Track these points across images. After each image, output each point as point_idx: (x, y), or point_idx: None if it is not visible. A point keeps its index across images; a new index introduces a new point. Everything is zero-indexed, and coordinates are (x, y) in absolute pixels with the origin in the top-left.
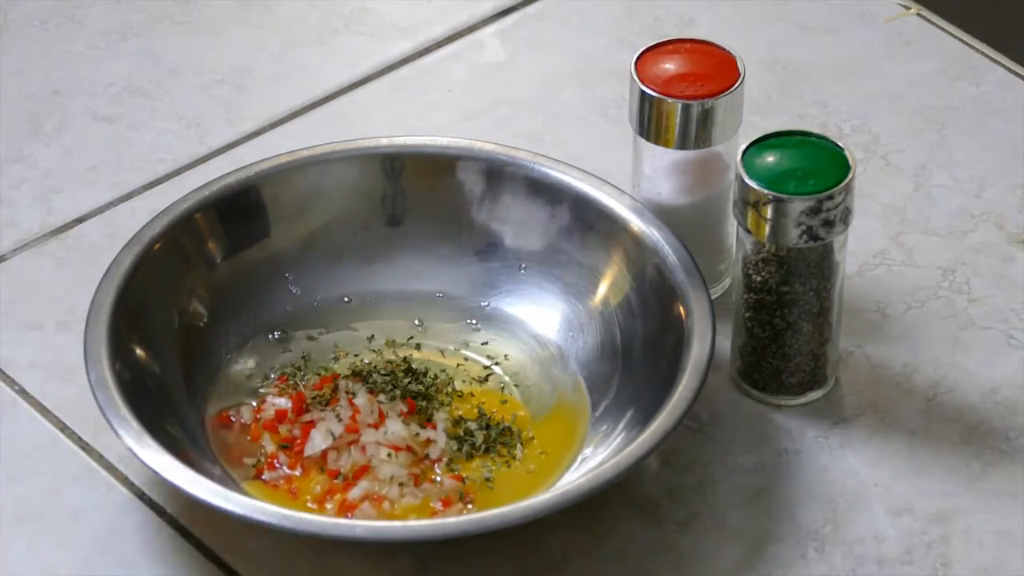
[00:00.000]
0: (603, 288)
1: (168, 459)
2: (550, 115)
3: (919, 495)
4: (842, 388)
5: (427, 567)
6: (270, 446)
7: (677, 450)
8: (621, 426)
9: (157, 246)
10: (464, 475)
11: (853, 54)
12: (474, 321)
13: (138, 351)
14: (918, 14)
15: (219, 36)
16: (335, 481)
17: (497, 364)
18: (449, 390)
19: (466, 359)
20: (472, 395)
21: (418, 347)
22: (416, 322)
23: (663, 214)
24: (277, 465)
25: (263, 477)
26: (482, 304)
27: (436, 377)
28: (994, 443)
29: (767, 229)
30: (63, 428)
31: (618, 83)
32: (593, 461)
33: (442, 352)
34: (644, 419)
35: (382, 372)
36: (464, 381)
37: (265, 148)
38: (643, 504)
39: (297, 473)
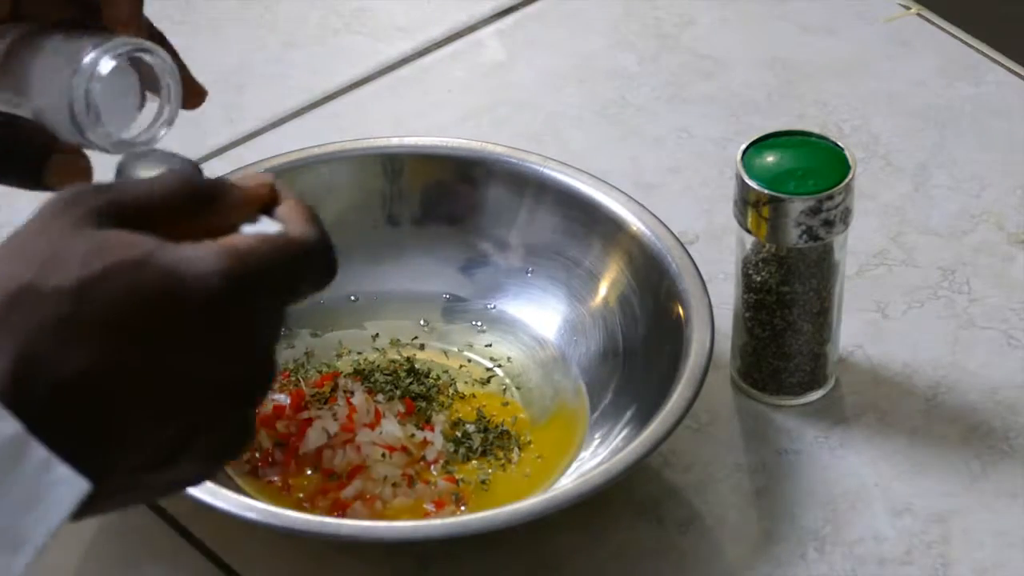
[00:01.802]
0: (605, 290)
1: None
2: (550, 115)
3: (919, 495)
4: (842, 388)
5: (427, 567)
6: (266, 442)
7: (677, 450)
8: (620, 427)
9: None
10: (459, 477)
11: (853, 54)
12: (479, 323)
13: None
14: (918, 14)
15: (219, 36)
16: (329, 480)
17: (500, 366)
18: (451, 391)
19: (469, 361)
20: (474, 396)
21: (422, 347)
22: (422, 322)
23: None
24: (272, 461)
25: (257, 473)
26: (488, 307)
27: (438, 378)
28: (994, 443)
29: (767, 229)
30: None
31: (618, 83)
32: (591, 463)
33: (446, 353)
34: (643, 420)
35: (384, 372)
36: (466, 383)
37: (265, 148)
38: (643, 504)
39: (291, 470)
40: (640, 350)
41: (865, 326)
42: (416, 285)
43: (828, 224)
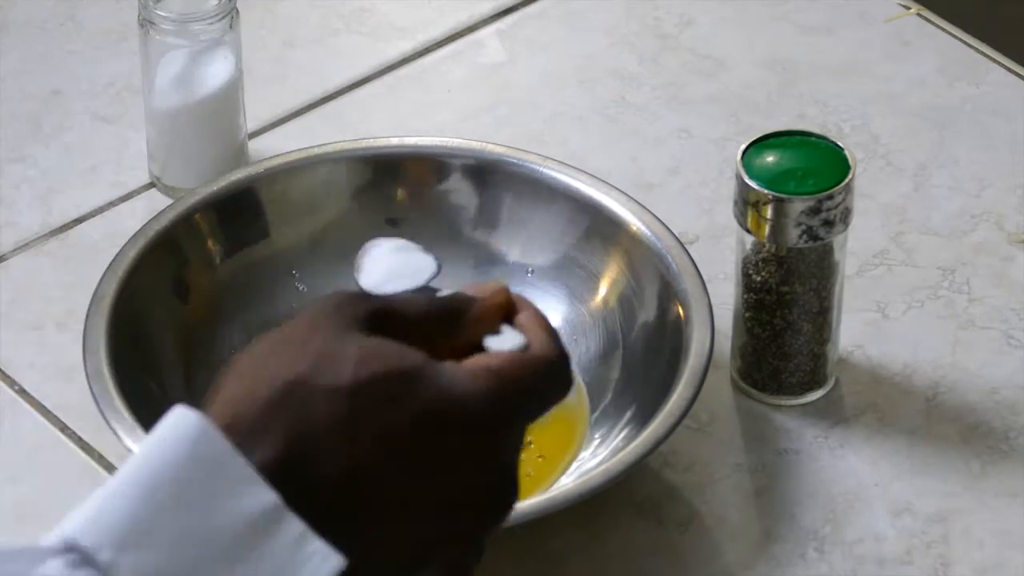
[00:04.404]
0: (605, 290)
1: None
2: (550, 115)
3: (919, 495)
4: (842, 388)
5: None
6: None
7: (677, 450)
8: (621, 427)
9: (161, 241)
10: None
11: (853, 54)
12: None
13: (138, 342)
14: (918, 14)
15: None
16: None
17: None
18: None
19: None
20: None
21: None
22: None
23: None
24: None
25: None
26: None
27: None
28: (994, 443)
29: (767, 229)
30: (63, 428)
31: (618, 83)
32: (591, 463)
33: None
34: (643, 420)
35: None
36: None
37: (265, 148)
38: (643, 504)
39: None
40: (640, 350)
41: (865, 326)
42: None
43: (828, 224)
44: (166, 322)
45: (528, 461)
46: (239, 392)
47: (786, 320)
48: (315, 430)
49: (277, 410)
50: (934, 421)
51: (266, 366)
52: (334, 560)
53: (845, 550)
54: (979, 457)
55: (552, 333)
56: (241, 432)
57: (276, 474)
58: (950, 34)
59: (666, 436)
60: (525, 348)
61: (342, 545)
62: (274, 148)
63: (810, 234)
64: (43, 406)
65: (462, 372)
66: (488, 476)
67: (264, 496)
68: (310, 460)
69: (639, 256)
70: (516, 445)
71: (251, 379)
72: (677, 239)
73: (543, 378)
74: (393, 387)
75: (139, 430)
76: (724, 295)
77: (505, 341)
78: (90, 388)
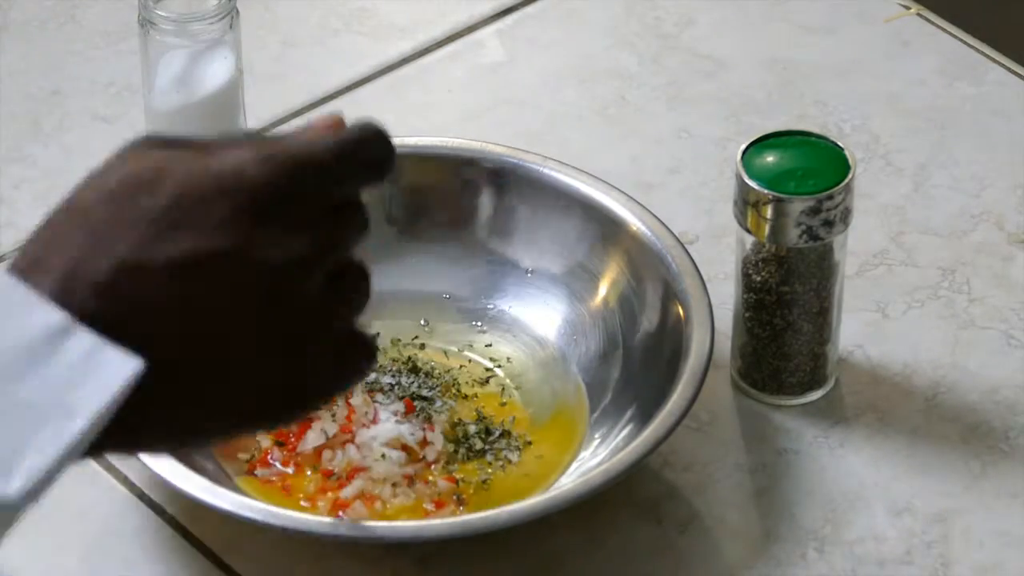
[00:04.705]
0: (604, 290)
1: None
2: (550, 115)
3: (919, 495)
4: (842, 388)
5: (427, 567)
6: (265, 441)
7: (677, 450)
8: (621, 427)
9: None
10: (459, 477)
11: (853, 54)
12: (479, 323)
13: None
14: (918, 14)
15: None
16: (329, 480)
17: (499, 367)
18: (454, 391)
19: (469, 361)
20: (475, 397)
21: (422, 347)
22: (422, 322)
23: None
24: (271, 461)
25: (256, 473)
26: (487, 307)
27: (441, 378)
28: (994, 443)
29: (767, 229)
30: None
31: (618, 83)
32: (591, 463)
33: (445, 353)
34: (644, 420)
35: (388, 371)
36: (466, 382)
37: None
38: (643, 504)
39: (290, 471)
40: (640, 350)
41: (865, 326)
42: (416, 285)
43: (828, 224)
44: None
45: (527, 461)
46: (33, 236)
47: (786, 320)
48: (78, 243)
49: (55, 236)
50: (934, 421)
51: (59, 206)
52: (131, 364)
53: (845, 550)
54: (979, 457)
55: (368, 126)
56: (25, 266)
57: (60, 296)
58: (950, 34)
59: (666, 436)
60: None
61: (138, 344)
62: None
63: (810, 234)
64: None
65: (228, 150)
66: (277, 247)
67: (49, 315)
68: (84, 270)
69: (639, 256)
70: (315, 222)
71: (45, 221)
72: (677, 239)
73: (329, 151)
74: (150, 175)
75: None
76: (724, 295)
77: None
78: None
